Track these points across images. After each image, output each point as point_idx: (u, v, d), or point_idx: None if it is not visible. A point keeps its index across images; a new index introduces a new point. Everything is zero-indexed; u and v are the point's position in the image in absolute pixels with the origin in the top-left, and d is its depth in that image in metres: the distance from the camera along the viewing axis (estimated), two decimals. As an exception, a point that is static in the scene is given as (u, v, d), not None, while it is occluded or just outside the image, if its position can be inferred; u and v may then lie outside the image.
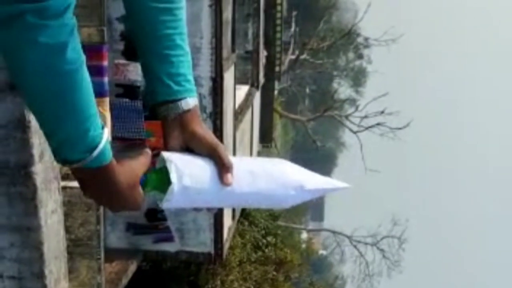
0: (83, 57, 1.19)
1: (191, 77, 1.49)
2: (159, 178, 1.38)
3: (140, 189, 1.35)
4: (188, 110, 1.46)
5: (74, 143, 1.21)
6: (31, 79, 1.16)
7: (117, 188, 1.30)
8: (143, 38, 1.47)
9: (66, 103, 1.18)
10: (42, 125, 1.23)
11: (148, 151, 1.39)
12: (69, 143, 1.21)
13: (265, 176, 1.45)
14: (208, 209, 1.50)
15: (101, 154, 1.24)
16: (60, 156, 1.24)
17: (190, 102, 1.47)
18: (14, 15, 1.09)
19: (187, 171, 1.37)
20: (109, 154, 1.27)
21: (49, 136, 1.24)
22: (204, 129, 1.46)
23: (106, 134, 1.25)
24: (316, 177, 1.51)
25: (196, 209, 1.48)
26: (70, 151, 1.22)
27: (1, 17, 1.10)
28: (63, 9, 1.13)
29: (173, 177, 1.35)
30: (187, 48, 1.50)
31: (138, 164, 1.35)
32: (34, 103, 1.20)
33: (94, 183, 1.29)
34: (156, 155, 1.43)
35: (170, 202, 1.37)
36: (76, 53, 1.16)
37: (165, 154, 1.39)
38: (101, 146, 1.23)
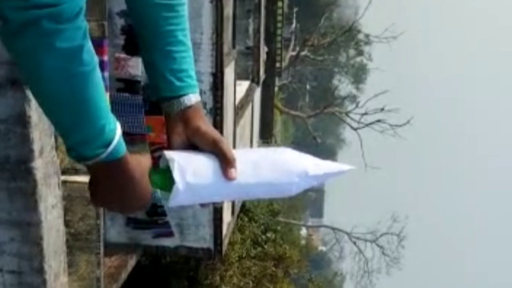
0: (96, 58, 1.21)
1: (193, 73, 1.50)
2: (163, 178, 1.39)
3: (148, 180, 1.36)
4: (191, 106, 1.47)
5: (91, 140, 1.24)
6: (49, 84, 1.17)
7: (132, 178, 1.32)
8: (145, 34, 1.48)
9: (83, 104, 1.20)
10: (58, 126, 1.25)
11: (148, 155, 1.41)
12: (86, 141, 1.24)
13: (268, 166, 1.45)
14: (214, 203, 1.50)
15: (116, 148, 1.27)
16: (76, 153, 1.26)
17: (193, 98, 1.48)
18: (29, 21, 1.10)
19: (190, 169, 1.37)
20: (123, 146, 1.29)
21: (65, 136, 1.26)
22: (207, 125, 1.47)
23: (119, 129, 1.28)
24: (319, 162, 1.51)
25: (203, 205, 1.49)
26: (87, 148, 1.25)
27: (16, 24, 1.11)
28: (76, 12, 1.15)
29: (176, 176, 1.35)
30: (189, 44, 1.51)
31: (144, 158, 1.37)
32: (51, 106, 1.22)
33: (108, 177, 1.31)
34: (155, 150, 1.44)
35: (176, 201, 1.38)
36: (90, 55, 1.19)
37: (167, 153, 1.40)
38: (116, 140, 1.26)
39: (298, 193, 1.51)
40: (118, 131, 1.27)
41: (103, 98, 1.24)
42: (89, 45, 1.18)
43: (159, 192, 1.41)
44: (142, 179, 1.34)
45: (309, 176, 1.48)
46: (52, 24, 1.11)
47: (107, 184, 1.32)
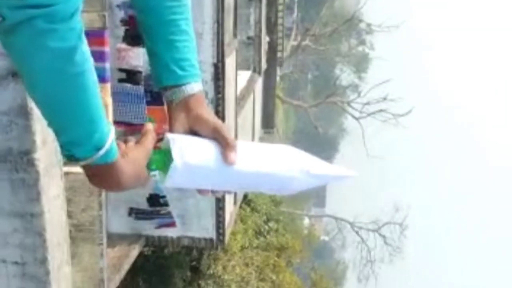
0: (91, 61, 1.21)
1: (195, 62, 1.51)
2: (162, 158, 1.39)
3: (146, 173, 1.37)
4: (193, 95, 1.48)
5: (81, 142, 1.24)
6: (40, 82, 1.18)
7: (124, 183, 1.34)
8: (148, 24, 1.49)
9: (74, 105, 1.20)
10: (50, 124, 1.25)
11: (151, 129, 1.41)
12: (77, 142, 1.24)
13: (270, 158, 1.45)
14: (213, 192, 1.49)
15: (107, 153, 1.27)
16: (67, 153, 1.27)
17: (195, 86, 1.48)
18: (24, 20, 1.10)
19: (190, 150, 1.38)
20: (115, 152, 1.30)
21: (57, 134, 1.26)
22: (208, 113, 1.48)
23: (113, 133, 1.28)
24: (322, 163, 1.50)
25: (201, 192, 1.48)
26: (77, 149, 1.25)
27: (11, 23, 1.11)
28: (71, 12, 1.14)
29: (175, 154, 1.36)
30: (192, 33, 1.52)
31: (143, 152, 1.37)
32: (42, 103, 1.22)
33: (100, 178, 1.32)
34: (158, 141, 1.43)
35: (173, 179, 1.37)
36: (84, 57, 1.18)
37: (169, 135, 1.41)
38: (107, 145, 1.26)
39: (298, 190, 1.50)
40: (111, 136, 1.27)
41: (96, 102, 1.23)
42: (83, 47, 1.18)
43: (157, 173, 1.41)
44: (135, 181, 1.36)
45: (310, 174, 1.47)
46: (46, 24, 1.11)
47: (99, 183, 1.34)
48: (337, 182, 1.56)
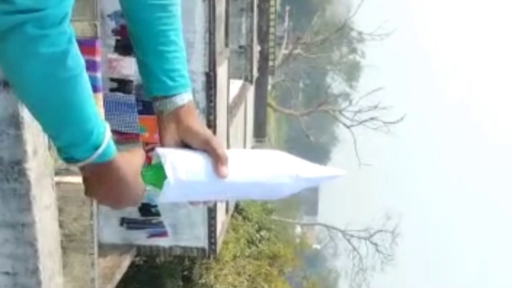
0: (83, 63, 1.21)
1: (185, 73, 1.51)
2: (155, 173, 1.39)
3: (141, 180, 1.38)
4: (183, 105, 1.48)
5: (79, 143, 1.25)
6: (34, 89, 1.18)
7: (123, 180, 1.33)
8: (138, 34, 1.49)
9: (69, 109, 1.21)
10: (45, 129, 1.26)
11: (142, 150, 1.42)
12: (74, 144, 1.25)
13: (259, 166, 1.46)
14: (205, 202, 1.51)
15: (105, 151, 1.28)
16: (66, 155, 1.28)
17: (185, 97, 1.49)
18: (14, 26, 1.10)
19: (182, 165, 1.38)
20: (113, 150, 1.30)
21: (53, 138, 1.27)
22: (199, 124, 1.48)
23: (109, 132, 1.29)
24: (311, 166, 1.52)
25: (193, 203, 1.49)
26: (75, 150, 1.26)
27: (1, 30, 1.10)
28: (61, 17, 1.14)
29: (168, 171, 1.36)
30: (182, 44, 1.52)
31: (137, 157, 1.38)
32: (37, 110, 1.23)
33: (100, 178, 1.32)
34: (150, 150, 1.44)
35: (166, 196, 1.39)
36: (76, 60, 1.18)
37: (160, 150, 1.41)
38: (104, 144, 1.27)
39: (289, 195, 1.52)
40: (107, 134, 1.28)
41: (91, 102, 1.24)
42: (75, 50, 1.18)
43: (150, 189, 1.41)
44: (133, 181, 1.35)
45: (300, 178, 1.49)
46: (37, 29, 1.11)
47: (98, 185, 1.34)
48: (327, 182, 1.57)
